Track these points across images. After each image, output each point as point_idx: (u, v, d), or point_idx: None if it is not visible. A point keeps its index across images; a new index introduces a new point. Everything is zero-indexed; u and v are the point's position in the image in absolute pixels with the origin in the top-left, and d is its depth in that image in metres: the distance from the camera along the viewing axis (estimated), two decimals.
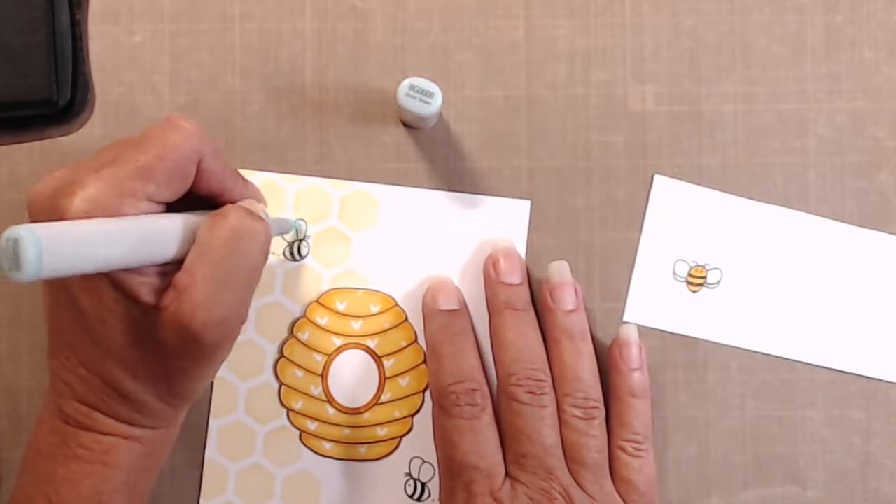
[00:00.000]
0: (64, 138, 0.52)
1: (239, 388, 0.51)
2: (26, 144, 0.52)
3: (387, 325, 0.51)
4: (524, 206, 0.52)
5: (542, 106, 0.52)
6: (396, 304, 0.51)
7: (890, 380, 0.52)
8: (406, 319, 0.51)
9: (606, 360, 0.51)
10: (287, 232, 0.50)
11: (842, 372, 0.52)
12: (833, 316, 0.52)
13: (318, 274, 0.51)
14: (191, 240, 0.40)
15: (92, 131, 0.52)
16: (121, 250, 0.37)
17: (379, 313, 0.51)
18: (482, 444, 0.48)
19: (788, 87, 0.53)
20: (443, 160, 0.52)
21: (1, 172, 0.51)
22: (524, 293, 0.51)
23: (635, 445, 0.49)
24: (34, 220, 0.39)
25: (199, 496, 0.51)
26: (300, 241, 0.51)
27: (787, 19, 0.53)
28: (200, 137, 0.41)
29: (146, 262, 0.39)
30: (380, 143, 0.52)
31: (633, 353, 0.50)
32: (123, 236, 0.37)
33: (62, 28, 0.51)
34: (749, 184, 0.52)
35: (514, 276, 0.50)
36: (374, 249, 0.52)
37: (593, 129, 0.52)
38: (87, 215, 0.37)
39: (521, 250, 0.52)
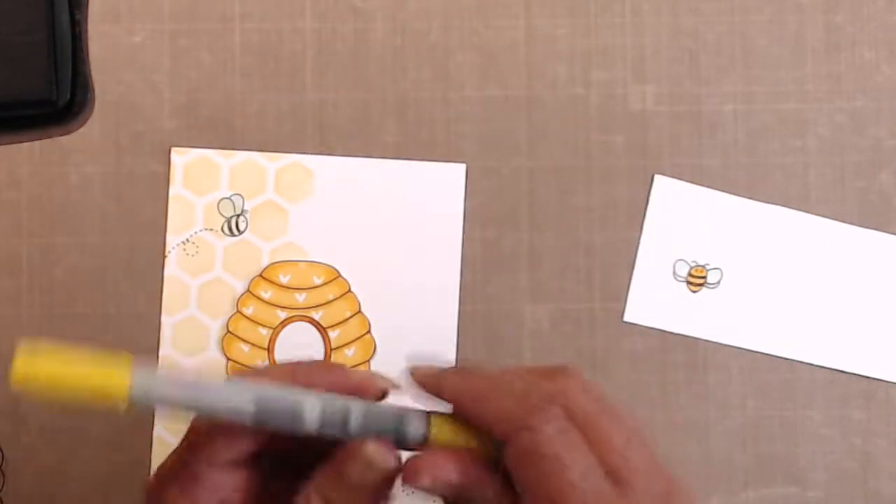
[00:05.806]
0: (64, 138, 0.52)
1: (184, 365, 0.51)
2: (26, 144, 0.52)
3: (331, 297, 0.51)
4: (460, 169, 0.52)
5: (542, 106, 0.52)
6: (339, 276, 0.51)
7: (890, 380, 0.52)
8: (349, 290, 0.51)
9: None
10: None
11: (842, 372, 0.52)
12: (833, 316, 0.52)
13: (258, 248, 0.51)
14: None
15: (92, 131, 0.52)
16: None
17: (322, 285, 0.51)
18: None
19: (788, 87, 0.53)
20: (443, 160, 0.52)
21: (1, 172, 0.51)
22: None
23: None
24: None
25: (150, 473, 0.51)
26: (238, 215, 0.51)
27: (787, 19, 0.53)
28: None
29: None
30: (380, 143, 0.52)
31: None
32: None
33: (62, 28, 0.51)
34: (749, 184, 0.52)
35: None
36: (312, 220, 0.52)
37: (593, 129, 0.52)
38: None
39: (458, 215, 0.51)
